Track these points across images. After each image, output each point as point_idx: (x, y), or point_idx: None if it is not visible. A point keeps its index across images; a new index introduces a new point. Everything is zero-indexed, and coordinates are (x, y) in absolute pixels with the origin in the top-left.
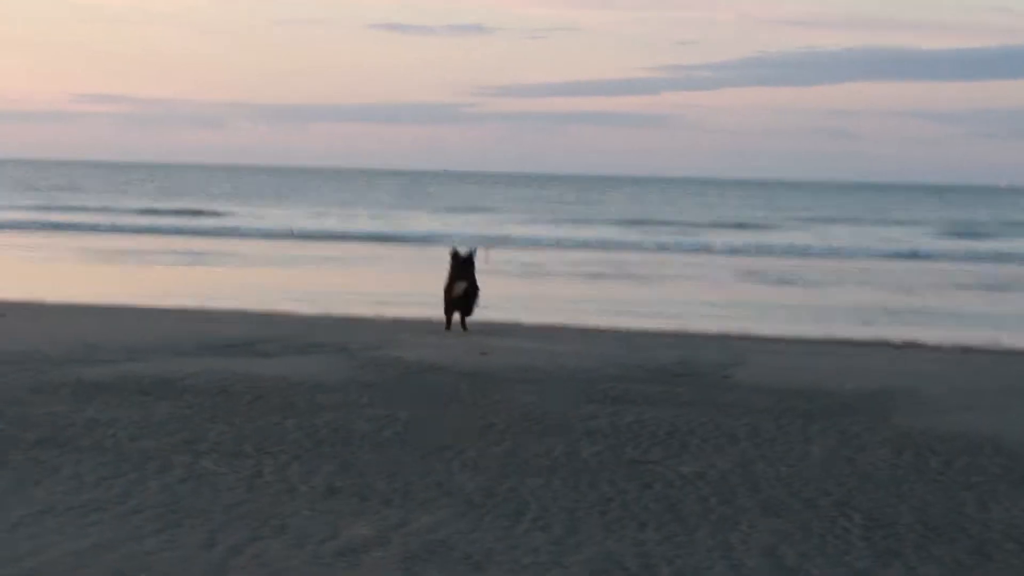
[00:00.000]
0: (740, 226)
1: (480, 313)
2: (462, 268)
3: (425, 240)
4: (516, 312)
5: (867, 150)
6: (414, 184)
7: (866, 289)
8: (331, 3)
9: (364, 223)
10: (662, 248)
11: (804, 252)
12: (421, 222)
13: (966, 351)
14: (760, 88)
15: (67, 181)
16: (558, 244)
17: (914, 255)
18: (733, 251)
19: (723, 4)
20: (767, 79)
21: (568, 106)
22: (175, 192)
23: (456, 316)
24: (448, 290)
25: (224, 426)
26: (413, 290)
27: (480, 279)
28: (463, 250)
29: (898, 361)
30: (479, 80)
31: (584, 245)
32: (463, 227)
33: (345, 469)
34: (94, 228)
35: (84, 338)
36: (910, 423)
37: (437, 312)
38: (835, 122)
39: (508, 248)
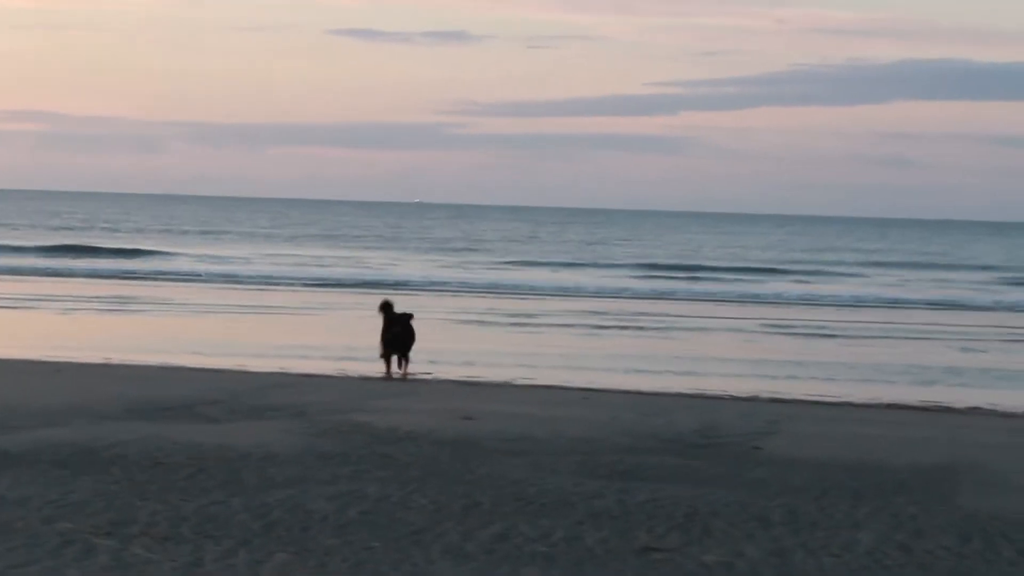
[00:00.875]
0: (770, 271)
1: (464, 370)
2: (395, 317)
3: (401, 285)
4: (507, 370)
5: (921, 180)
6: (388, 216)
7: (922, 345)
8: (286, 5)
9: (331, 264)
10: (679, 295)
11: (847, 301)
12: (401, 264)
13: None
14: (796, 108)
15: None
16: (559, 290)
17: (976, 305)
18: (763, 300)
19: (755, 10)
20: (804, 97)
21: (570, 127)
22: (103, 225)
23: (394, 363)
24: (384, 335)
25: (158, 505)
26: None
27: (463, 330)
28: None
29: (961, 430)
30: (465, 96)
31: (588, 292)
32: (442, 270)
33: (302, 557)
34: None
35: None
36: (976, 504)
37: (412, 368)
38: (883, 147)
39: (499, 294)
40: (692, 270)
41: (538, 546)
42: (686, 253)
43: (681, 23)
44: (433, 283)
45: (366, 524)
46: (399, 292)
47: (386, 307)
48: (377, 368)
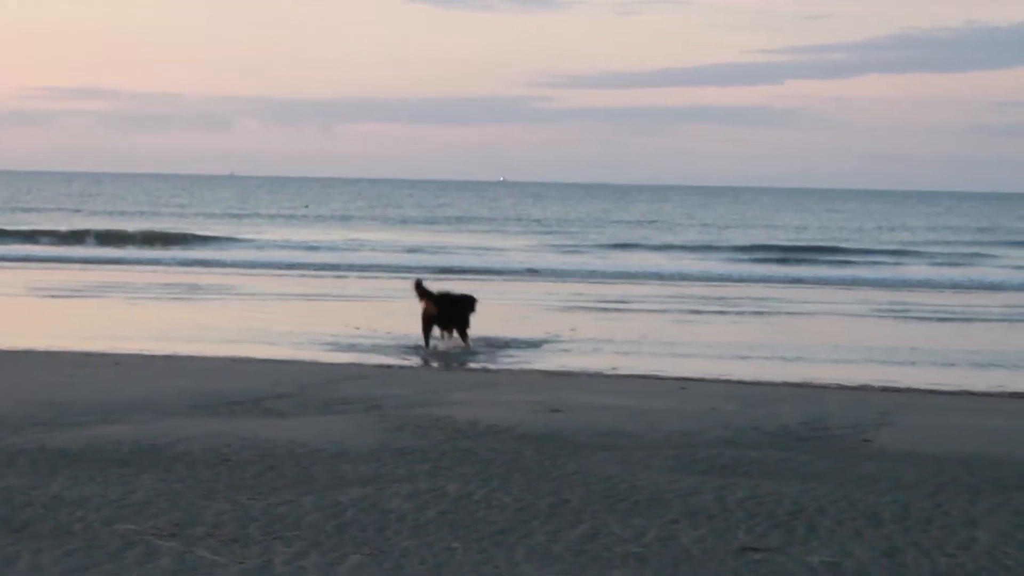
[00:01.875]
0: (882, 252)
1: (550, 359)
2: (427, 293)
3: (488, 272)
4: (597, 358)
5: None
6: (472, 195)
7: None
8: None
9: (411, 252)
10: (786, 279)
11: (968, 284)
12: (488, 243)
13: None
14: (909, 75)
15: (10, 193)
16: (656, 275)
17: None
18: (875, 283)
19: None
20: (918, 62)
21: (666, 99)
22: (166, 209)
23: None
24: (424, 312)
25: (224, 504)
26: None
27: (551, 316)
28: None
29: None
30: (551, 67)
31: (687, 276)
32: (537, 252)
33: (377, 559)
34: (50, 258)
35: (46, 395)
36: None
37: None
38: (1006, 116)
39: (592, 281)
40: (798, 250)
41: (630, 546)
42: (793, 232)
43: None
44: (526, 269)
45: (446, 524)
46: (485, 279)
47: (418, 287)
48: (455, 360)
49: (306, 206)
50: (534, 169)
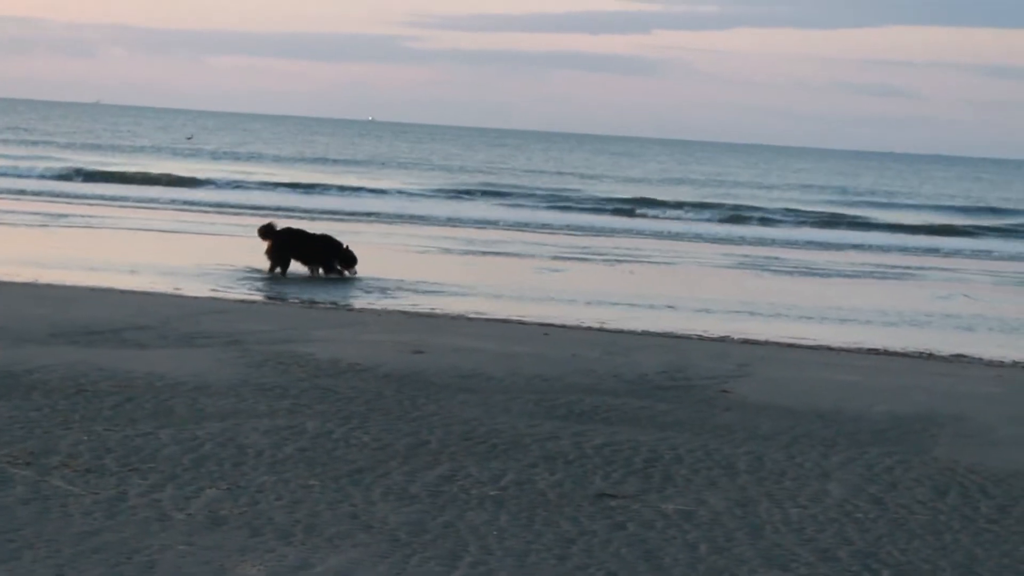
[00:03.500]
0: (743, 209)
1: (415, 300)
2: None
3: (373, 215)
4: (462, 301)
5: (912, 111)
6: (344, 134)
7: (908, 287)
8: None
9: (279, 183)
10: (650, 232)
11: (829, 242)
12: (338, 180)
13: None
14: (779, 29)
15: None
16: (521, 224)
17: (959, 249)
18: (738, 237)
19: None
20: (789, 18)
21: (535, 44)
22: (20, 131)
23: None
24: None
25: (81, 435)
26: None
27: (415, 259)
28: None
29: (943, 379)
30: (422, 7)
31: (551, 225)
32: (407, 196)
33: (233, 494)
34: None
35: None
36: (955, 457)
37: (362, 295)
38: (873, 75)
39: (456, 225)
40: (661, 205)
41: (487, 489)
42: (659, 186)
43: None
44: (393, 215)
45: (304, 461)
46: (369, 221)
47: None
48: (321, 296)
49: (189, 138)
50: (403, 109)
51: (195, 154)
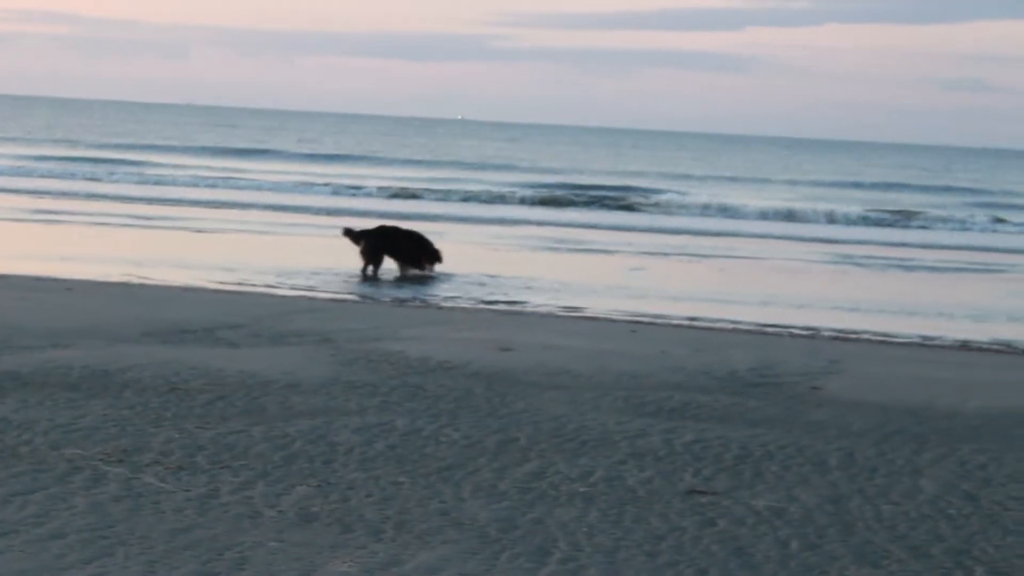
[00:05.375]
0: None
1: (504, 297)
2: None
3: (436, 218)
4: (551, 296)
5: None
6: (423, 133)
7: (1006, 281)
8: None
9: (376, 183)
10: (734, 232)
11: (925, 237)
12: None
13: None
14: (867, 25)
15: None
16: (612, 223)
17: None
18: (827, 233)
19: None
20: (876, 14)
21: (625, 42)
22: (119, 132)
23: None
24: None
25: (173, 432)
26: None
27: (504, 253)
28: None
29: None
30: (509, 6)
31: (634, 227)
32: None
33: (323, 491)
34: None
35: None
36: None
37: (452, 293)
38: (962, 70)
39: (543, 225)
40: (751, 185)
41: (576, 485)
42: (750, 184)
43: None
44: (465, 217)
45: (393, 458)
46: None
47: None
48: (410, 295)
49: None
50: (493, 108)
51: (311, 156)
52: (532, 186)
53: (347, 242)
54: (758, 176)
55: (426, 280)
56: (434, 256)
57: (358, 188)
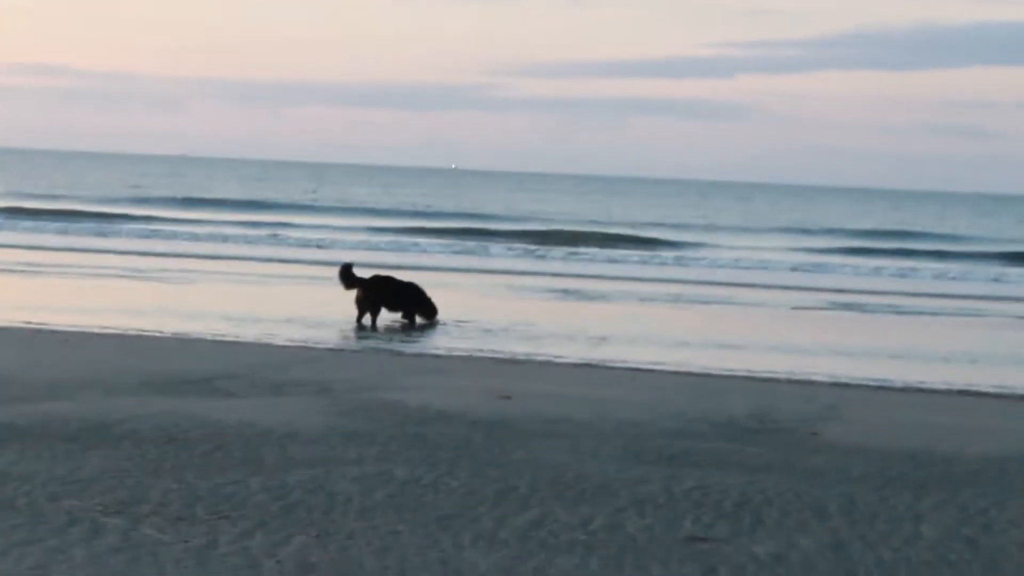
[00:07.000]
0: (833, 250)
1: (502, 346)
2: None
3: (422, 268)
4: (549, 345)
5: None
6: (415, 182)
7: (1003, 330)
8: None
9: (374, 237)
10: (732, 276)
11: (920, 280)
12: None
13: None
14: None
15: None
16: (607, 265)
17: None
18: (827, 276)
19: None
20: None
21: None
22: (105, 185)
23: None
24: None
25: (171, 483)
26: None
27: (501, 302)
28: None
29: None
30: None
31: (626, 269)
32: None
33: (322, 541)
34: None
35: None
36: None
37: (449, 342)
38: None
39: (534, 275)
40: (744, 235)
41: (576, 534)
42: (743, 224)
43: None
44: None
45: (392, 507)
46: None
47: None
48: (408, 344)
49: (314, 191)
50: (485, 157)
51: (326, 208)
52: (525, 234)
53: (342, 288)
54: (760, 225)
55: (424, 329)
56: (430, 309)
57: (354, 241)
